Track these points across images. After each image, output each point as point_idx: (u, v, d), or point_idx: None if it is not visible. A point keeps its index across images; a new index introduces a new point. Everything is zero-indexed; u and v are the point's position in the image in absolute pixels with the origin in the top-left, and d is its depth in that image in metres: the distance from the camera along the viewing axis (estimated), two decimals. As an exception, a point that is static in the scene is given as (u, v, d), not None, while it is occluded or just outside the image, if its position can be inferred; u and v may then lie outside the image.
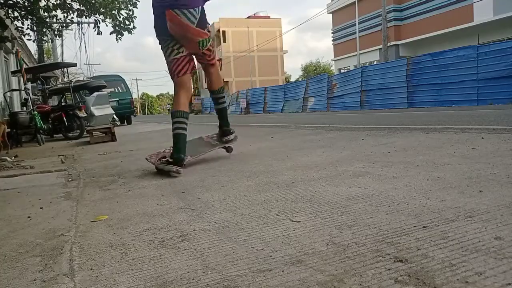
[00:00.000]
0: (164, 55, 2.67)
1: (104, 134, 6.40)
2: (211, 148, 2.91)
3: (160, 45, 2.67)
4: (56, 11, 8.09)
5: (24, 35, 8.68)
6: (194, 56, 2.74)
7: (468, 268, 0.82)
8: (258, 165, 2.45)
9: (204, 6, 2.60)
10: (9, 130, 6.96)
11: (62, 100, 9.82)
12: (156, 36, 2.65)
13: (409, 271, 0.83)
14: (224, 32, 43.22)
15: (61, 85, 11.13)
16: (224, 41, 43.28)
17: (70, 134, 8.30)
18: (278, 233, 1.16)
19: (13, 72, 9.89)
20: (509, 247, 0.90)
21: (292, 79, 51.76)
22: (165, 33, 2.57)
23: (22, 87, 10.36)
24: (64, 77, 17.24)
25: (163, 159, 2.57)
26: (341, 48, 28.84)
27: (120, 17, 8.13)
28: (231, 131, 2.98)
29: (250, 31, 41.61)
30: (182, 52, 2.61)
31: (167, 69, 2.69)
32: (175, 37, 2.57)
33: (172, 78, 2.66)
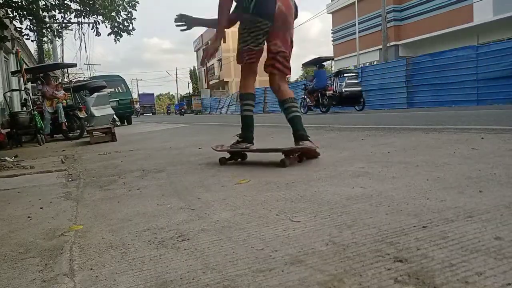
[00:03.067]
0: (243, 41, 2.58)
1: (104, 134, 6.40)
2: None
3: (243, 27, 2.56)
4: (54, 11, 8.09)
5: (23, 36, 8.69)
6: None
7: (468, 268, 0.82)
8: (258, 165, 2.45)
9: None
10: (9, 130, 6.97)
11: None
12: (253, 16, 2.47)
13: (409, 271, 0.83)
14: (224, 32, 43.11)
15: (61, 86, 11.14)
16: (224, 41, 43.09)
17: (70, 134, 8.30)
18: (278, 233, 1.16)
19: (13, 72, 9.89)
20: (509, 247, 0.90)
21: (292, 79, 51.71)
22: (269, 16, 2.45)
23: (22, 87, 10.37)
24: (64, 77, 17.24)
25: (231, 145, 2.72)
26: (341, 48, 28.84)
27: (119, 19, 8.13)
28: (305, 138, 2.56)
29: (250, 31, 41.49)
30: (260, 45, 2.56)
31: (237, 54, 2.66)
32: (275, 22, 2.46)
33: (240, 62, 2.67)
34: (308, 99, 13.64)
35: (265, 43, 2.59)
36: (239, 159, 2.72)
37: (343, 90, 12.48)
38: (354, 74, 13.50)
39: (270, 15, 2.45)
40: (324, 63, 14.01)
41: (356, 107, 12.92)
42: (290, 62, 2.66)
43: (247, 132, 2.66)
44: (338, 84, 12.71)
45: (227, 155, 2.73)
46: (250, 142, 2.65)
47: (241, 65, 2.68)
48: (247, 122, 2.68)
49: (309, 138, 2.52)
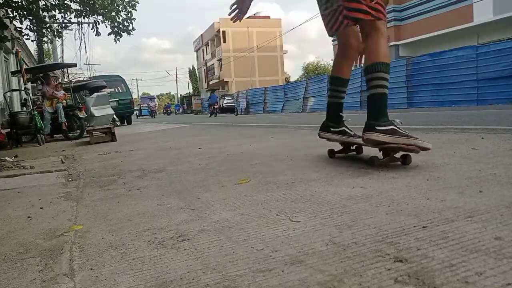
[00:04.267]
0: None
1: (104, 134, 6.40)
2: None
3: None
4: (54, 11, 8.10)
5: (23, 36, 8.69)
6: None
7: (468, 268, 0.82)
8: (258, 165, 2.45)
9: None
10: (9, 130, 6.97)
11: (62, 100, 9.81)
12: None
13: (409, 271, 0.83)
14: (224, 32, 43.26)
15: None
16: (224, 41, 43.29)
17: (70, 134, 8.30)
18: (278, 233, 1.16)
19: (13, 72, 9.89)
20: (509, 247, 0.90)
21: (292, 79, 51.86)
22: None
23: (22, 87, 10.37)
24: (64, 77, 17.24)
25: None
26: (341, 48, 28.80)
27: (119, 19, 8.14)
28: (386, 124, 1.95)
29: (250, 31, 41.64)
30: (331, 5, 2.11)
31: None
32: None
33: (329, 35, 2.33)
34: (208, 109, 25.38)
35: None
36: (352, 152, 2.38)
37: (224, 105, 25.72)
38: (230, 95, 28.00)
39: None
40: (215, 90, 27.54)
41: (233, 114, 22.75)
42: (369, 2, 1.93)
43: (328, 117, 2.35)
44: (222, 101, 25.93)
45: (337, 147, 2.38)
46: (334, 122, 2.30)
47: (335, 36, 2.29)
48: (329, 108, 2.35)
49: (380, 130, 1.90)
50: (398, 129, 1.93)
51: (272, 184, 1.85)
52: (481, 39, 16.87)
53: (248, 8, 2.27)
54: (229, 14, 2.28)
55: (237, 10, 2.25)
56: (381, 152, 1.99)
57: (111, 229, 1.40)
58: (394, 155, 1.96)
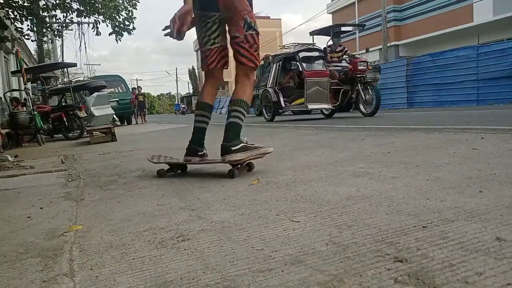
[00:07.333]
0: (199, 43, 2.35)
1: (104, 134, 6.41)
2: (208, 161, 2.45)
3: (196, 31, 2.34)
4: (55, 11, 8.11)
5: (23, 36, 8.69)
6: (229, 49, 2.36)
7: (468, 268, 0.82)
8: (258, 165, 2.45)
9: None
10: (8, 130, 6.97)
11: (62, 100, 9.83)
12: (198, 11, 2.21)
13: (409, 271, 0.83)
14: (224, 32, 43.21)
15: (61, 85, 11.15)
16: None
17: (70, 134, 8.31)
18: (278, 233, 1.16)
19: (13, 72, 9.89)
20: (509, 247, 0.90)
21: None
22: (213, 7, 2.18)
23: (22, 87, 10.38)
24: (64, 77, 17.24)
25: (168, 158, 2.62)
26: (341, 48, 28.81)
27: (119, 18, 8.15)
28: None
29: (250, 31, 41.55)
30: (218, 43, 2.29)
31: (200, 59, 2.45)
32: (220, 11, 2.18)
33: (202, 68, 2.41)
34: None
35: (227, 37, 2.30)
36: (179, 171, 2.53)
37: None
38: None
39: (214, 7, 2.18)
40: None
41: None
42: (253, 51, 2.24)
43: (191, 144, 2.44)
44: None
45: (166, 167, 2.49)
46: (195, 155, 2.41)
47: (204, 71, 2.42)
48: (194, 133, 2.48)
49: (235, 150, 2.17)
50: (247, 145, 2.23)
51: (272, 184, 1.85)
52: (481, 39, 16.85)
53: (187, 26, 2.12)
54: (163, 30, 2.24)
55: (176, 25, 2.08)
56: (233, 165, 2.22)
57: (111, 229, 1.40)
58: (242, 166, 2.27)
